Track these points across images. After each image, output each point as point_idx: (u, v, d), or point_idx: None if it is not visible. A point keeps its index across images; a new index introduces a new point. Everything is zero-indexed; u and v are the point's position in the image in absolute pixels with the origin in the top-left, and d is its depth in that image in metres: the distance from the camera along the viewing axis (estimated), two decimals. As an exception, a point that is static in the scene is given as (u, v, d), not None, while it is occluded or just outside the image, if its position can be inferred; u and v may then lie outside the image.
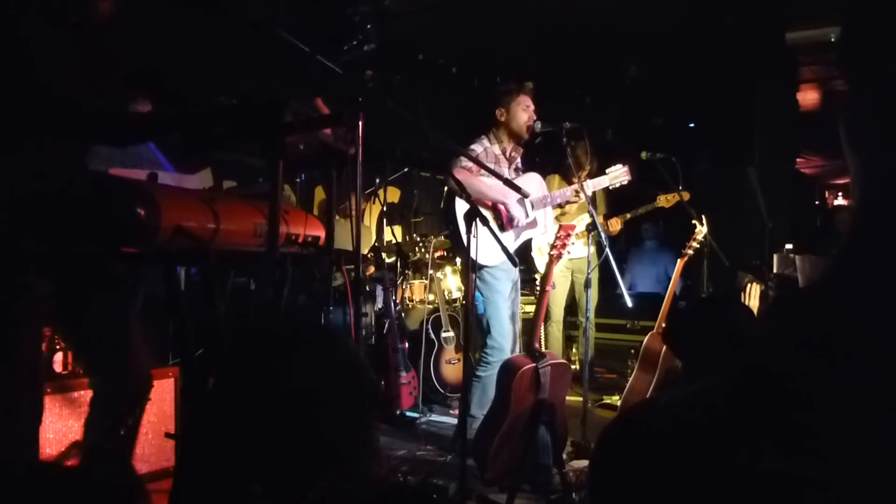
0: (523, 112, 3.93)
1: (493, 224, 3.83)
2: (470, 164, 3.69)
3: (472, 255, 2.82)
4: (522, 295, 6.19)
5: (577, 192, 4.18)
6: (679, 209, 4.53)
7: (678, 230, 4.61)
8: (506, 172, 3.98)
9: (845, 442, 0.48)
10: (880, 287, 0.51)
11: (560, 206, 4.52)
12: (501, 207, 3.87)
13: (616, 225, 5.31)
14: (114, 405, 2.09)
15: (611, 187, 4.36)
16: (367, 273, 5.23)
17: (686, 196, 4.61)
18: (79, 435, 2.45)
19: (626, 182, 4.34)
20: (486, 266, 3.81)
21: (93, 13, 2.10)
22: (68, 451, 2.71)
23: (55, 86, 1.95)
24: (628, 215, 5.28)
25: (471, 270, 2.92)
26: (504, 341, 3.86)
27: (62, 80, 1.99)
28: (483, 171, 3.55)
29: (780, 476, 0.49)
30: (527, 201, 3.95)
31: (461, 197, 2.70)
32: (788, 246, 5.27)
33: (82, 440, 2.17)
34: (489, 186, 3.77)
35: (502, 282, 3.88)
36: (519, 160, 4.16)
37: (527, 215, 3.98)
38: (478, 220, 2.65)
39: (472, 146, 3.91)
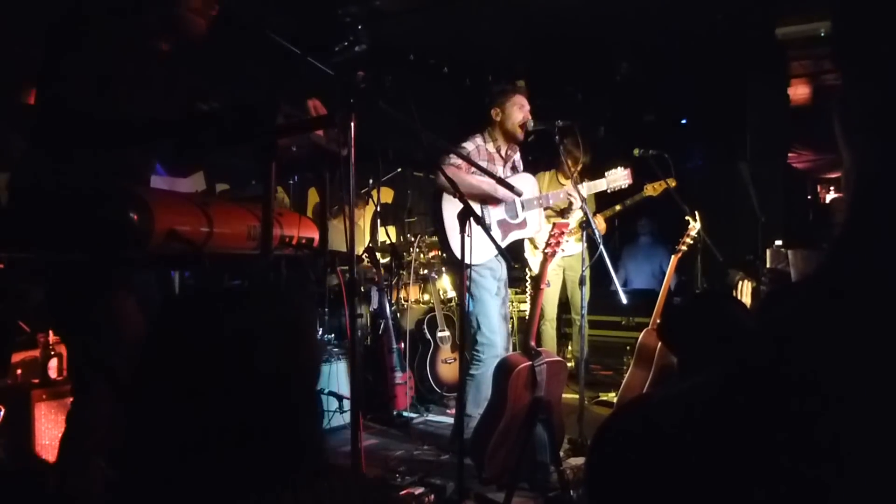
0: (518, 111, 3.94)
1: (485, 221, 3.85)
2: (459, 162, 3.70)
3: (464, 254, 2.82)
4: (517, 293, 6.21)
5: (568, 194, 4.19)
6: (672, 206, 4.53)
7: (673, 226, 4.61)
8: (500, 171, 3.98)
9: (844, 436, 0.48)
10: (874, 280, 0.52)
11: (560, 212, 4.53)
12: (492, 201, 3.89)
13: (601, 223, 5.31)
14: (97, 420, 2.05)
15: (608, 191, 4.38)
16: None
17: (672, 183, 4.60)
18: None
19: (625, 185, 4.36)
20: (473, 264, 3.81)
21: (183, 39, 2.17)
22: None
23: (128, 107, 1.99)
24: (618, 207, 5.28)
25: (464, 269, 2.92)
26: (494, 337, 3.86)
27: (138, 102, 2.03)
28: (474, 170, 3.55)
29: (779, 471, 0.49)
30: (518, 201, 3.96)
31: (454, 196, 2.69)
32: (778, 242, 5.28)
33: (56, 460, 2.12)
34: (479, 180, 3.78)
35: (488, 279, 3.88)
36: (517, 158, 4.17)
37: (516, 210, 3.99)
38: (472, 219, 2.65)
39: (464, 144, 3.91)
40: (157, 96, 2.14)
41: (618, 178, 4.33)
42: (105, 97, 1.94)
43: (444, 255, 4.60)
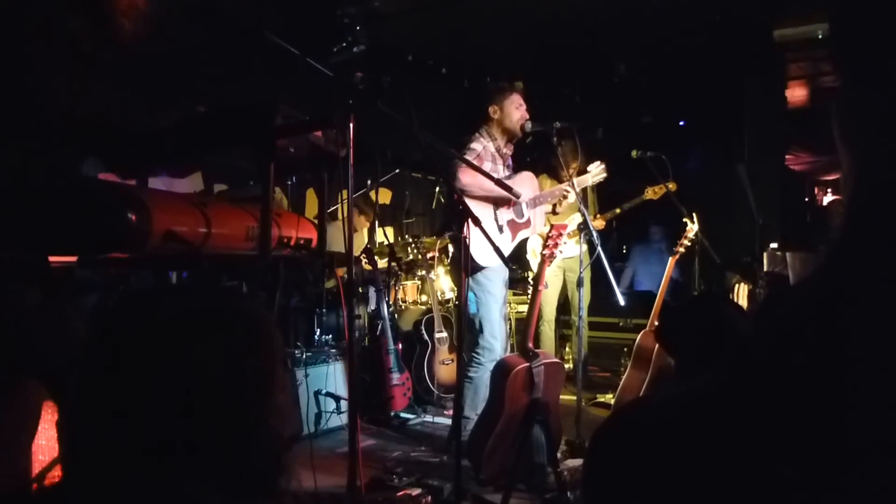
0: (516, 110, 3.95)
1: (493, 226, 3.86)
2: (473, 163, 3.70)
3: (462, 255, 2.82)
4: (515, 294, 6.22)
5: (565, 191, 4.19)
6: (671, 208, 4.54)
7: (673, 229, 4.62)
8: (500, 171, 3.99)
9: (843, 441, 0.48)
10: (874, 284, 0.52)
11: (553, 210, 4.52)
12: (506, 200, 3.90)
13: (600, 224, 5.32)
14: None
15: (592, 182, 4.41)
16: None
17: (673, 187, 4.61)
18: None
19: (603, 177, 4.39)
20: (484, 268, 3.82)
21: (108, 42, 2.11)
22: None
23: (65, 105, 1.93)
24: (618, 210, 5.30)
25: (465, 272, 2.92)
26: (495, 342, 3.87)
27: (73, 100, 1.97)
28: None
29: (777, 475, 0.49)
30: (522, 200, 3.97)
31: (460, 202, 2.70)
32: (774, 245, 5.29)
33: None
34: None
35: (495, 283, 3.89)
36: (510, 158, 4.18)
37: (522, 209, 4.00)
38: (472, 222, 2.65)
39: (472, 144, 3.91)
40: (79, 98, 2.08)
41: (598, 172, 4.35)
42: (23, 98, 1.88)
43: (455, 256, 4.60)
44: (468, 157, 3.76)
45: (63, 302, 2.05)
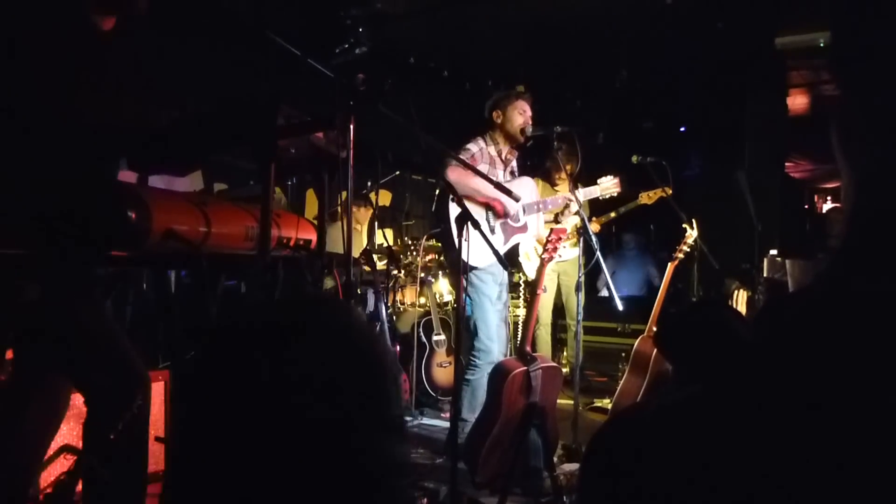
0: (519, 115, 3.96)
1: (484, 227, 3.84)
2: (467, 162, 3.69)
3: (463, 258, 2.81)
4: (512, 298, 6.21)
5: (568, 200, 4.18)
6: (668, 213, 4.53)
7: (668, 234, 4.61)
8: (501, 174, 3.99)
9: (844, 447, 0.48)
10: (874, 292, 0.52)
11: (556, 220, 4.52)
12: (497, 204, 3.88)
13: (596, 227, 5.32)
14: (107, 410, 1.98)
15: (601, 198, 4.40)
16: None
17: (668, 191, 4.60)
18: (69, 438, 2.44)
19: (616, 193, 4.38)
20: (474, 268, 3.81)
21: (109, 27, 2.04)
22: (58, 453, 2.69)
23: (73, 104, 1.87)
24: (612, 214, 5.30)
25: (461, 273, 2.92)
26: (491, 343, 3.86)
27: (81, 98, 1.91)
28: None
29: (776, 482, 0.49)
30: (518, 205, 3.96)
31: (453, 199, 2.69)
32: (773, 251, 5.29)
33: (82, 446, 2.11)
34: (484, 184, 3.77)
35: (489, 284, 3.88)
36: (514, 163, 4.17)
37: (518, 213, 3.99)
38: (469, 223, 2.64)
39: (468, 146, 3.92)
40: (101, 86, 1.96)
41: (609, 186, 4.35)
42: (34, 92, 1.79)
43: (446, 258, 4.58)
44: (463, 157, 3.76)
45: (100, 299, 2.04)
